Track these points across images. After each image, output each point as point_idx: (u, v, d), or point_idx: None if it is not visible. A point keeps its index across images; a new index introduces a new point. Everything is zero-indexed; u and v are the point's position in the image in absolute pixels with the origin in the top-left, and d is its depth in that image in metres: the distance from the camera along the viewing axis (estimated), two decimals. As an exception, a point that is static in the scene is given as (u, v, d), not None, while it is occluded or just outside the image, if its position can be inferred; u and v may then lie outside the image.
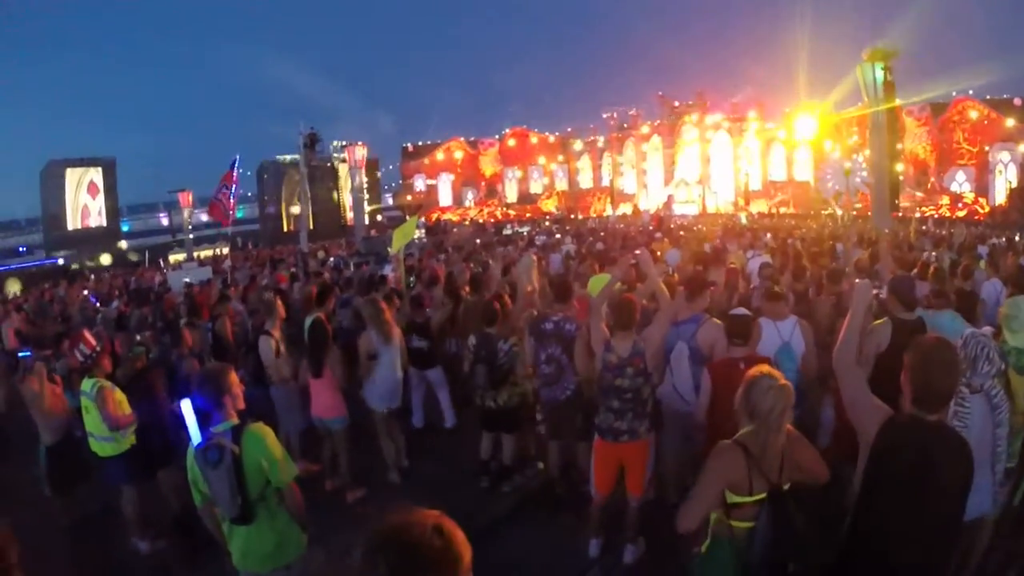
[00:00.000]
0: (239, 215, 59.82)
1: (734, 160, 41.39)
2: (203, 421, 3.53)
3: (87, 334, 5.93)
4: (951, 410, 3.19)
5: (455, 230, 39.45)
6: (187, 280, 18.62)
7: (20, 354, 6.55)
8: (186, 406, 3.54)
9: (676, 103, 42.48)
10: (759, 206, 39.37)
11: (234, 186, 18.77)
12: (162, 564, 5.53)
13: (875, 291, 5.27)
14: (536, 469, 6.34)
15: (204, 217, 31.71)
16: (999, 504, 3.88)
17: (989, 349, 3.41)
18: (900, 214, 30.69)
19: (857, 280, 3.81)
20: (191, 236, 40.22)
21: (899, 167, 30.96)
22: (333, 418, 6.24)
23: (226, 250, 33.31)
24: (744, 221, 27.51)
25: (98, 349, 5.73)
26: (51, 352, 9.14)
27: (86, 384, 5.63)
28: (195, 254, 34.36)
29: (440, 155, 48.81)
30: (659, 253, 11.37)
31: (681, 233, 15.39)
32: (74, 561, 5.69)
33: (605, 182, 45.36)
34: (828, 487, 3.10)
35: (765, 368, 3.06)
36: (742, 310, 4.88)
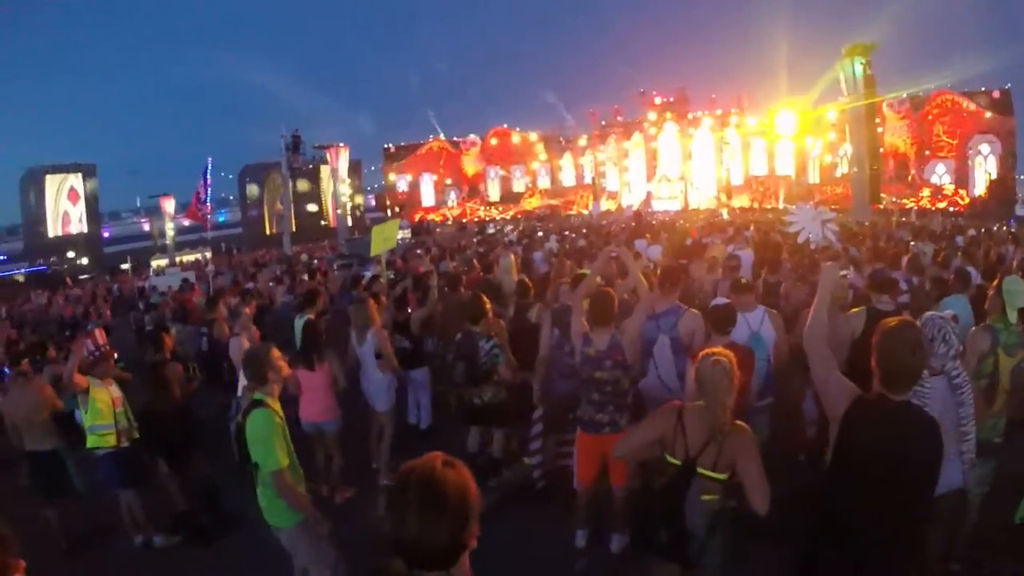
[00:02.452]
0: (220, 219, 59.51)
1: (716, 155, 41.56)
2: None
3: (99, 332, 6.14)
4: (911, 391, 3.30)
5: (438, 230, 39.44)
6: (170, 285, 18.52)
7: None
8: None
9: (658, 100, 42.48)
10: (741, 201, 39.53)
11: (208, 190, 18.89)
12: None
13: (843, 273, 5.51)
14: (523, 466, 6.31)
15: (187, 222, 31.44)
16: (978, 478, 4.02)
17: (946, 331, 3.51)
18: (882, 206, 31.05)
19: (825, 263, 3.95)
20: (173, 240, 39.88)
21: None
22: (326, 420, 6.18)
23: (208, 254, 33.07)
24: (726, 216, 27.61)
25: (104, 347, 5.93)
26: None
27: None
28: (177, 259, 34.01)
29: (422, 155, 48.59)
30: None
31: (662, 233, 15.32)
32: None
33: (587, 180, 45.43)
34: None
35: (716, 349, 3.25)
36: (723, 300, 4.98)
